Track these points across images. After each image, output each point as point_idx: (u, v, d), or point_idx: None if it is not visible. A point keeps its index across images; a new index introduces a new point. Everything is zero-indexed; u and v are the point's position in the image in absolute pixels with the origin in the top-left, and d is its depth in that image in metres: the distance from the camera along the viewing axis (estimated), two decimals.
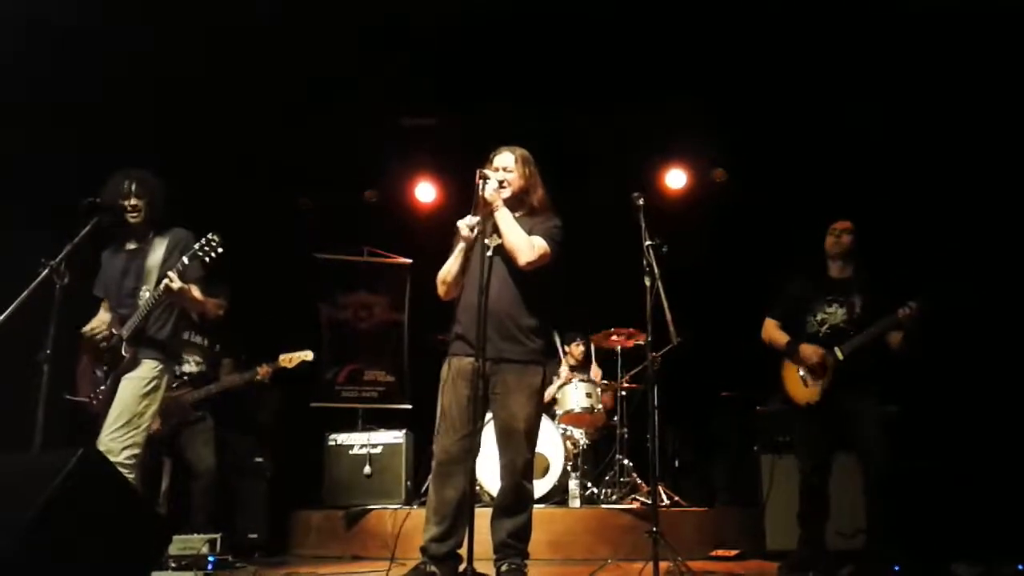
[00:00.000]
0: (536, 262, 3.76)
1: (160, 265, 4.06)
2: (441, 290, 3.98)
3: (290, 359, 5.63)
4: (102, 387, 4.05)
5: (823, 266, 4.75)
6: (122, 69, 5.67)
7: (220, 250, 3.96)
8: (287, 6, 5.64)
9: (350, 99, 6.64)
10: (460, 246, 3.89)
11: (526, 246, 3.75)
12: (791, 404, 4.66)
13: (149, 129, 5.91)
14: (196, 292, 4.11)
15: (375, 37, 6.11)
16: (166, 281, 3.90)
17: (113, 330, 4.07)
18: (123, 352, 4.00)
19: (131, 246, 4.20)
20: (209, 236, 3.96)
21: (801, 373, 4.58)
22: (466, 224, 3.81)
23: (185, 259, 3.94)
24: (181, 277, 3.94)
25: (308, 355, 5.68)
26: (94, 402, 4.07)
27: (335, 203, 7.45)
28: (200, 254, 3.94)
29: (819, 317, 4.61)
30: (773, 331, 4.77)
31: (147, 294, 3.98)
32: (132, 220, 4.12)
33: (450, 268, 3.93)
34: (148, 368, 4.01)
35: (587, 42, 6.36)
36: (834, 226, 4.70)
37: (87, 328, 4.17)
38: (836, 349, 4.47)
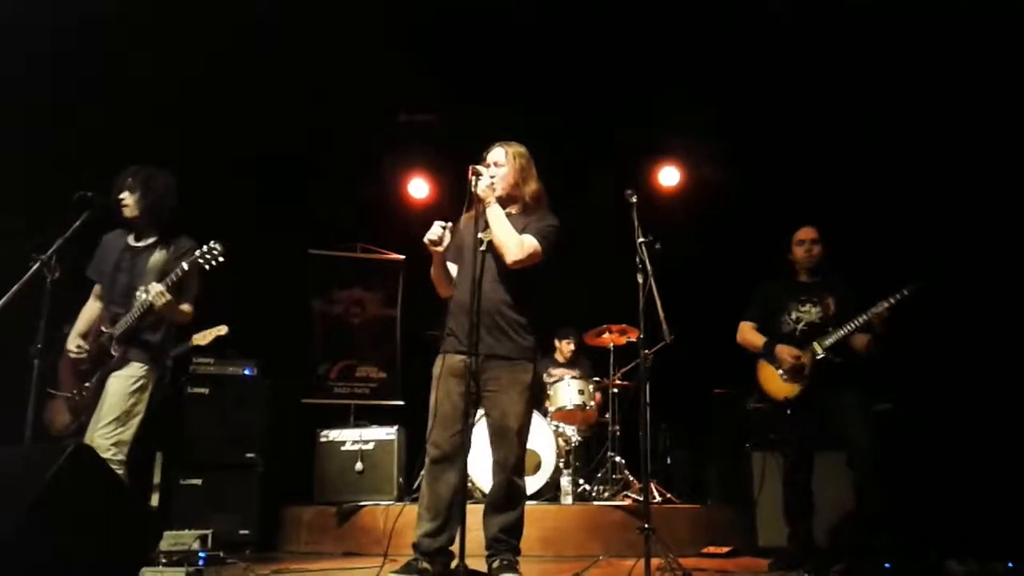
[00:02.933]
0: (524, 261, 3.76)
1: (159, 271, 4.04)
2: (438, 291, 4.02)
3: (204, 336, 5.35)
4: (87, 383, 4.04)
5: (791, 273, 4.77)
6: (118, 67, 5.66)
7: (221, 259, 3.93)
8: (286, 3, 5.63)
9: (346, 95, 6.63)
10: (435, 257, 3.91)
11: (514, 244, 3.74)
12: (769, 402, 4.68)
13: (145, 125, 5.88)
14: (187, 308, 4.11)
15: (372, 34, 6.10)
16: (152, 295, 3.88)
17: (103, 327, 4.06)
18: (112, 351, 3.99)
19: (130, 240, 4.20)
20: (211, 244, 3.93)
21: (780, 372, 4.60)
22: (428, 240, 3.81)
23: (185, 265, 3.91)
24: (179, 288, 3.95)
25: (222, 330, 5.38)
26: (77, 398, 4.07)
27: (329, 199, 7.43)
28: (200, 261, 3.92)
29: (794, 315, 4.64)
30: (749, 333, 4.79)
31: (143, 296, 3.95)
32: (125, 214, 4.12)
33: (433, 275, 3.98)
34: (136, 368, 4.01)
35: (581, 40, 6.37)
36: (800, 237, 4.73)
37: (71, 347, 4.15)
38: (815, 344, 4.49)
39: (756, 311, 4.83)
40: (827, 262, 4.71)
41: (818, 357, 4.48)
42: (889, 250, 5.77)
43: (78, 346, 4.12)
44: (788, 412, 4.55)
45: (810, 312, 4.61)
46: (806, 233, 4.71)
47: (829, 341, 4.47)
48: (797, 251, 4.72)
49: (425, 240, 3.82)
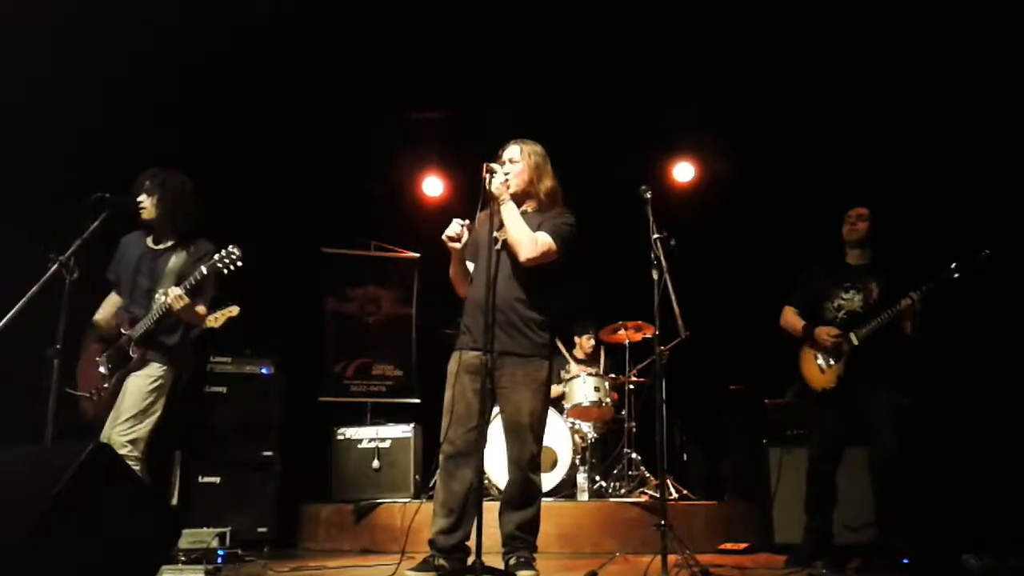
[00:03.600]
0: (538, 259, 3.75)
1: (178, 274, 4.07)
2: (457, 290, 4.03)
3: (215, 319, 5.35)
4: (105, 384, 4.07)
5: (841, 253, 4.75)
6: (124, 65, 5.68)
7: (240, 264, 3.94)
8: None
9: (358, 93, 6.64)
10: (454, 255, 3.92)
11: (528, 242, 3.74)
12: (808, 390, 4.66)
13: (154, 123, 5.92)
14: (202, 309, 4.12)
15: (383, 31, 6.11)
16: (171, 299, 3.91)
17: (123, 329, 4.09)
18: (131, 352, 4.02)
19: (149, 243, 4.23)
20: (229, 248, 3.94)
21: (819, 361, 4.58)
22: (447, 237, 3.83)
23: (203, 268, 3.93)
24: (197, 291, 3.97)
25: (234, 310, 5.27)
26: (95, 398, 4.10)
27: (342, 197, 7.45)
28: (219, 266, 3.93)
29: (836, 303, 4.61)
30: (791, 317, 4.78)
31: (162, 298, 3.98)
32: (143, 217, 4.15)
33: (451, 273, 3.99)
34: (155, 368, 4.05)
35: (594, 35, 6.35)
36: (849, 213, 4.71)
37: (99, 316, 4.19)
38: (851, 334, 4.47)
39: (800, 295, 4.81)
40: (875, 242, 4.66)
41: (855, 344, 4.45)
42: (917, 236, 5.70)
43: (108, 313, 4.19)
44: (824, 403, 4.55)
45: (852, 300, 4.57)
46: (855, 210, 4.70)
47: (864, 331, 4.45)
48: (844, 228, 4.70)
49: (444, 236, 3.83)
